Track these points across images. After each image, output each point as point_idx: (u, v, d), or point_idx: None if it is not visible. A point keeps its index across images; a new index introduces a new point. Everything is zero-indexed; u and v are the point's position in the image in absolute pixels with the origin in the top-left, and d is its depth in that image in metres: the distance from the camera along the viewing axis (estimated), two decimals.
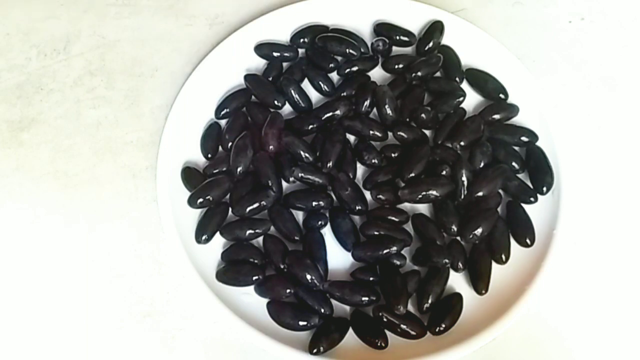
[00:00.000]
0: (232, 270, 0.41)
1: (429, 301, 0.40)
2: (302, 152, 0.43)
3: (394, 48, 0.48)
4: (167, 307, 0.42)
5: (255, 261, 0.42)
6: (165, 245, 0.43)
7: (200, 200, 0.42)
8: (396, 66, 0.47)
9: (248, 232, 0.42)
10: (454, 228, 0.42)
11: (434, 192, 0.42)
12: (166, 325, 0.42)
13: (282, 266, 0.41)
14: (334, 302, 0.41)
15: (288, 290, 0.40)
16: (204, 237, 0.42)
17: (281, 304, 0.41)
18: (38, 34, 0.50)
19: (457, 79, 0.46)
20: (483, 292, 0.41)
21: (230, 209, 0.43)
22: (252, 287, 0.41)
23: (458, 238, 0.42)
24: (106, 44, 0.49)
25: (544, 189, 0.43)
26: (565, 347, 0.42)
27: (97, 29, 0.50)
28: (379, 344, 0.39)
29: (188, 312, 0.42)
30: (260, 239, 0.43)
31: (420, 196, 0.42)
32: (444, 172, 0.43)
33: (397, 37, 0.47)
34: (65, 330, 0.42)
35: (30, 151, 0.46)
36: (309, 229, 0.42)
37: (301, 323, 0.40)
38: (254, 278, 0.41)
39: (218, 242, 0.43)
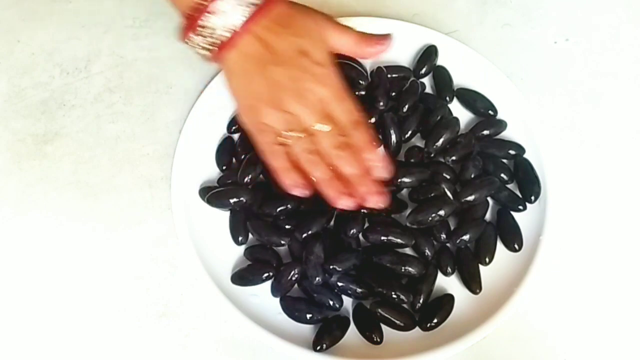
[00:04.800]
0: (245, 272, 0.43)
1: (421, 300, 0.42)
2: None
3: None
4: (181, 307, 0.44)
5: (267, 259, 0.44)
6: (179, 250, 0.45)
7: (234, 200, 0.44)
8: (381, 103, 0.46)
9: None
10: (443, 236, 0.44)
11: (441, 213, 0.43)
12: (180, 324, 0.44)
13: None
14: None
15: (293, 272, 0.42)
16: (240, 239, 0.44)
17: (294, 299, 0.43)
18: (61, 54, 0.51)
19: (447, 98, 0.48)
20: (477, 291, 0.43)
21: (250, 212, 0.45)
22: (260, 289, 0.43)
23: (447, 244, 0.44)
24: (124, 62, 0.51)
25: (532, 197, 0.45)
26: (551, 345, 0.43)
27: (116, 49, 0.51)
28: (375, 339, 0.41)
29: (200, 312, 0.44)
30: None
31: (429, 219, 0.43)
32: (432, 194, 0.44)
33: (394, 75, 0.48)
34: (86, 329, 0.44)
35: (54, 163, 0.48)
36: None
37: (312, 315, 0.42)
38: (264, 275, 0.43)
39: (228, 248, 0.45)
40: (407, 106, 0.47)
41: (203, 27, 0.39)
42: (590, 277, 0.45)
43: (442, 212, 0.43)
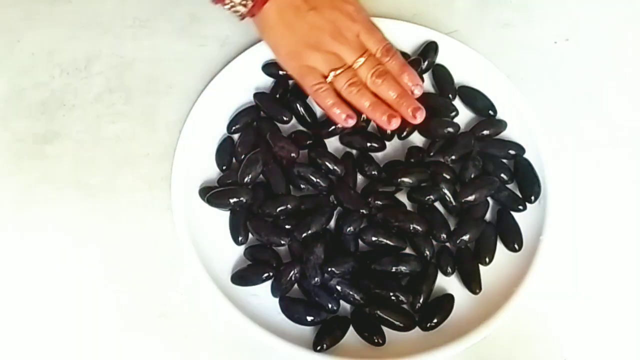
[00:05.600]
0: (245, 272, 0.44)
1: (421, 299, 0.42)
2: (327, 164, 0.45)
3: None
4: (181, 307, 0.44)
5: (266, 259, 0.44)
6: (179, 250, 0.45)
7: (234, 200, 0.44)
8: None
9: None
10: (443, 236, 0.44)
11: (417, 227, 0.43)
12: (180, 324, 0.44)
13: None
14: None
15: (292, 272, 0.42)
16: (240, 239, 0.44)
17: (292, 300, 0.43)
18: (61, 54, 0.51)
19: (450, 95, 0.48)
20: (477, 291, 0.43)
21: (250, 212, 0.45)
22: (260, 289, 0.43)
23: (447, 244, 0.44)
24: (124, 63, 0.51)
25: (532, 197, 0.45)
26: (551, 344, 0.44)
27: (116, 49, 0.51)
28: (376, 341, 0.42)
29: (200, 312, 0.44)
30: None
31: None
32: (431, 197, 0.45)
33: None
34: (86, 329, 0.44)
35: (54, 163, 0.48)
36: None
37: (310, 317, 0.42)
38: (264, 276, 0.43)
39: (228, 248, 0.45)
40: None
41: None
42: (590, 277, 0.45)
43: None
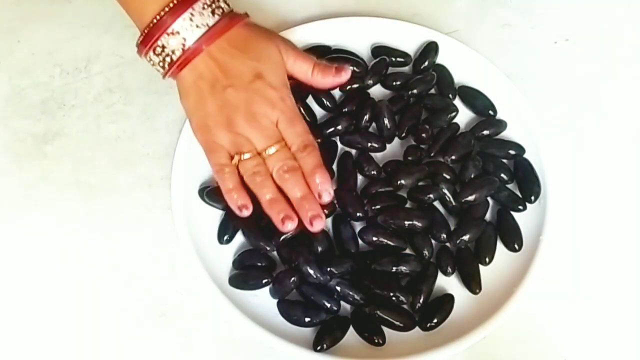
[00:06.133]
0: (243, 275, 0.44)
1: (421, 299, 0.42)
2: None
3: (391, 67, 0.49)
4: (181, 307, 0.44)
5: (264, 265, 0.44)
6: (179, 250, 0.45)
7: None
8: (394, 83, 0.49)
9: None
10: (443, 236, 0.44)
11: (417, 223, 0.43)
12: (180, 324, 0.44)
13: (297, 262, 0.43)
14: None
15: (292, 279, 0.42)
16: (225, 238, 0.44)
17: (291, 302, 0.43)
18: (61, 54, 0.51)
19: (450, 95, 0.48)
20: (477, 291, 0.43)
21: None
22: (260, 289, 0.43)
23: (447, 244, 0.44)
24: (124, 62, 0.51)
25: (532, 197, 0.45)
26: (551, 344, 0.44)
27: (116, 49, 0.51)
28: (377, 341, 0.42)
29: (200, 312, 0.44)
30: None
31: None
32: (431, 196, 0.45)
33: (394, 59, 0.49)
34: (86, 329, 0.44)
35: (54, 163, 0.48)
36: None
37: (309, 319, 0.42)
38: (264, 281, 0.43)
39: (228, 247, 0.45)
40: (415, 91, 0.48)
41: (159, 46, 0.40)
42: (590, 276, 0.45)
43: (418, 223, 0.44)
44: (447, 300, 0.43)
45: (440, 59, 0.49)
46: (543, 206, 0.45)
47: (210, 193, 0.45)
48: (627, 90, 0.51)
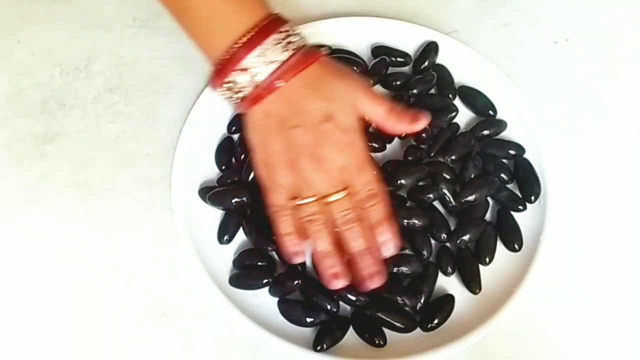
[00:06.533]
0: (243, 275, 0.44)
1: (422, 300, 0.42)
2: None
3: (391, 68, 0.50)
4: (181, 307, 0.44)
5: (264, 265, 0.44)
6: (179, 250, 0.45)
7: (235, 200, 0.44)
8: (394, 83, 0.49)
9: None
10: (444, 236, 0.44)
11: (416, 222, 0.43)
12: (180, 324, 0.44)
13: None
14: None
15: (296, 282, 0.42)
16: (225, 238, 0.44)
17: (291, 302, 0.43)
18: (61, 54, 0.51)
19: (450, 95, 0.48)
20: (477, 291, 0.43)
21: (245, 212, 0.45)
22: (260, 289, 0.43)
23: (447, 244, 0.44)
24: (124, 63, 0.51)
25: (532, 197, 0.45)
26: (551, 344, 0.44)
27: (116, 49, 0.51)
28: (377, 342, 0.42)
29: (200, 312, 0.44)
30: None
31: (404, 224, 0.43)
32: (430, 196, 0.45)
33: (394, 59, 0.49)
34: (86, 329, 0.44)
35: (54, 163, 0.48)
36: None
37: (309, 319, 0.42)
38: (264, 281, 0.43)
39: (228, 247, 0.45)
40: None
41: (231, 81, 0.39)
42: (590, 276, 0.45)
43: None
44: (448, 301, 0.43)
45: (440, 59, 0.50)
46: (543, 206, 0.45)
47: (213, 196, 0.45)
48: (627, 90, 0.51)
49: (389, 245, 0.40)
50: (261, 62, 0.38)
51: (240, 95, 0.39)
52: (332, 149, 0.39)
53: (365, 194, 0.39)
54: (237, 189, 0.45)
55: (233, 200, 0.44)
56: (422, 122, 0.42)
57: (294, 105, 0.39)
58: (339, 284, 0.40)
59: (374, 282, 0.40)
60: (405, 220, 0.43)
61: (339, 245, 0.40)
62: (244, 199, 0.44)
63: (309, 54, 0.40)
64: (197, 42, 0.41)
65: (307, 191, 0.39)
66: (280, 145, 0.39)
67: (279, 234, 0.41)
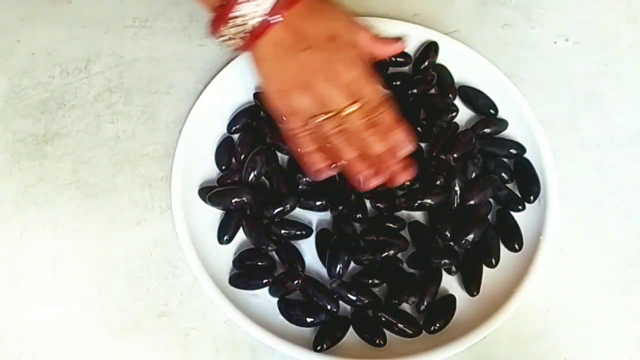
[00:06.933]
0: (243, 275, 0.44)
1: (425, 302, 0.42)
2: None
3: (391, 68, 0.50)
4: (181, 307, 0.44)
5: (265, 264, 0.44)
6: (179, 250, 0.45)
7: (236, 200, 0.44)
8: (394, 83, 0.49)
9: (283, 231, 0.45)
10: (448, 234, 0.44)
11: (429, 201, 0.44)
12: (180, 324, 0.44)
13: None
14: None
15: (296, 282, 0.42)
16: (225, 238, 0.44)
17: (291, 302, 0.43)
18: (61, 54, 0.51)
19: (451, 95, 0.48)
20: (475, 293, 0.43)
21: (245, 212, 0.45)
22: (260, 289, 0.43)
23: (451, 243, 0.44)
24: (124, 63, 0.51)
25: (532, 197, 0.45)
26: (551, 345, 0.44)
27: (116, 49, 0.51)
28: (377, 342, 0.42)
29: (200, 312, 0.44)
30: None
31: (416, 204, 0.44)
32: (438, 182, 0.45)
33: (394, 59, 0.49)
34: (86, 329, 0.44)
35: (54, 163, 0.48)
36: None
37: (309, 319, 0.42)
38: (264, 281, 0.43)
39: (228, 247, 0.45)
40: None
41: (235, 17, 0.40)
42: (590, 276, 0.45)
43: (429, 200, 0.44)
44: (450, 302, 0.43)
45: (440, 59, 0.49)
46: (543, 206, 0.45)
47: (213, 196, 0.45)
48: (627, 90, 0.51)
49: (406, 143, 0.42)
50: None
51: (249, 27, 0.40)
52: (342, 64, 0.41)
53: (376, 102, 0.42)
54: (237, 189, 0.45)
55: (233, 200, 0.44)
56: (401, 43, 0.45)
57: (300, 31, 0.41)
58: (373, 182, 0.42)
59: (406, 175, 0.42)
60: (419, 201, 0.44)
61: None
62: (244, 199, 0.44)
63: None
64: None
65: (325, 107, 0.41)
66: (292, 69, 0.41)
67: (302, 153, 0.42)
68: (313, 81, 0.40)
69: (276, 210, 0.44)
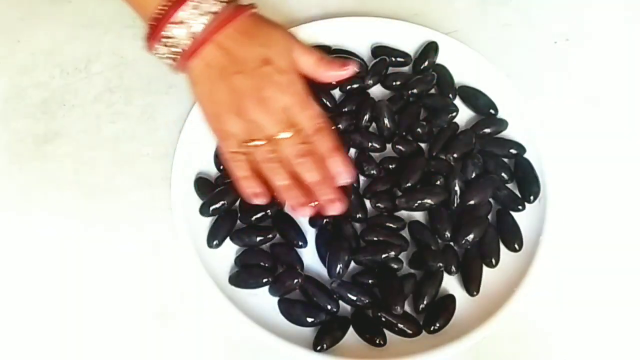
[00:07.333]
0: (243, 274, 0.44)
1: (425, 302, 0.42)
2: None
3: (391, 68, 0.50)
4: (180, 307, 0.44)
5: (265, 265, 0.44)
6: (179, 250, 0.45)
7: (214, 207, 0.44)
8: (394, 83, 0.49)
9: (258, 238, 0.44)
10: (448, 234, 0.44)
11: (429, 201, 0.44)
12: (179, 324, 0.44)
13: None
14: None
15: (296, 281, 0.42)
16: (214, 242, 0.44)
17: (291, 302, 0.43)
18: (61, 54, 0.51)
19: (451, 95, 0.48)
20: (474, 293, 0.43)
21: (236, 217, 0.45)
22: (259, 289, 0.43)
23: (451, 243, 0.44)
24: (124, 63, 0.51)
25: (531, 197, 0.45)
26: (551, 345, 0.44)
27: (116, 49, 0.51)
28: (377, 342, 0.41)
29: (200, 312, 0.44)
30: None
31: (416, 204, 0.44)
32: (438, 182, 0.45)
33: (394, 59, 0.49)
34: (86, 329, 0.44)
35: (54, 163, 0.48)
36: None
37: (309, 319, 0.42)
38: (264, 280, 0.43)
39: (228, 247, 0.45)
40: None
41: (166, 37, 0.40)
42: (590, 276, 0.45)
43: (429, 200, 0.44)
44: (450, 302, 0.43)
45: (440, 59, 0.50)
46: (543, 206, 0.45)
47: (205, 205, 0.45)
48: (627, 90, 0.51)
49: (342, 173, 0.41)
50: (196, 14, 0.39)
51: (179, 49, 0.40)
52: (274, 90, 0.40)
53: (311, 129, 0.41)
54: (225, 193, 0.45)
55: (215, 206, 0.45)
56: (350, 68, 0.44)
57: (232, 54, 0.40)
58: (306, 211, 0.41)
59: (335, 209, 0.41)
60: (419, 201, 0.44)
61: (298, 180, 0.42)
62: (224, 202, 0.44)
63: (240, 6, 0.41)
64: (130, 2, 0.42)
65: (256, 134, 0.40)
66: (224, 93, 0.40)
67: (235, 178, 0.42)
68: (244, 106, 0.40)
69: (255, 217, 0.44)
